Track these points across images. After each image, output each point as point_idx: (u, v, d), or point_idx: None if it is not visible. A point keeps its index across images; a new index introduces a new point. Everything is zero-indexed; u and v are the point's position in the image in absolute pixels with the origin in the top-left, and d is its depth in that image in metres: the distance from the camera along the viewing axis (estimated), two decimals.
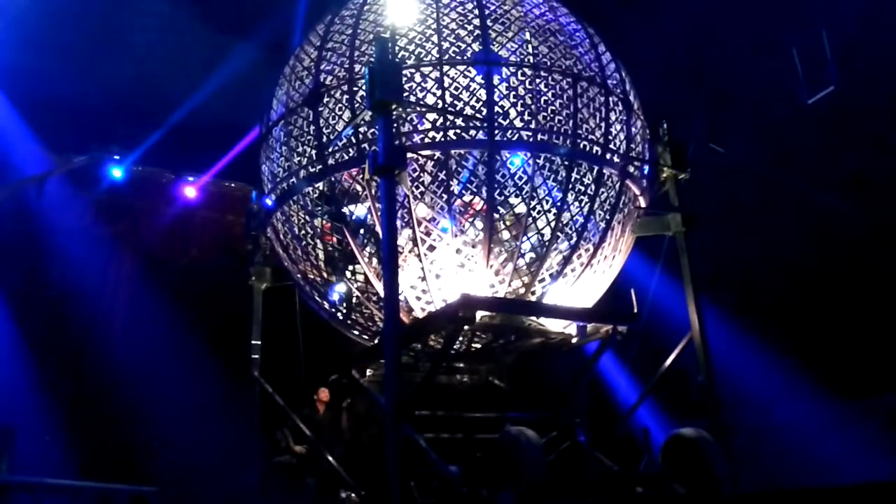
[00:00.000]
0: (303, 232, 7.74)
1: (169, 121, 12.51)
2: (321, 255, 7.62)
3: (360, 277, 7.40)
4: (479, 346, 7.42)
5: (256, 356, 8.58)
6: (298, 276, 8.02)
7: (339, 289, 7.62)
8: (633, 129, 7.82)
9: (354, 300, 7.54)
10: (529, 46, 7.66)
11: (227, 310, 10.62)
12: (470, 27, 7.47)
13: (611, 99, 7.58)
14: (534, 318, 7.24)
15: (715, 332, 7.79)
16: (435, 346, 7.30)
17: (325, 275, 7.64)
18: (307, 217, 7.68)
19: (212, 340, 11.68)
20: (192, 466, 10.65)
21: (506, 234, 7.36)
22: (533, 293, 7.32)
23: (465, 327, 6.73)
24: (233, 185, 13.06)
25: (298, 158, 7.62)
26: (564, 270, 7.36)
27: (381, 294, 6.93)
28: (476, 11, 7.49)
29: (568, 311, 7.32)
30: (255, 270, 8.84)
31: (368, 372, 7.67)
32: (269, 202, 8.06)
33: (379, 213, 6.90)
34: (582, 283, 7.55)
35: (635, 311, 7.38)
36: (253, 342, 8.62)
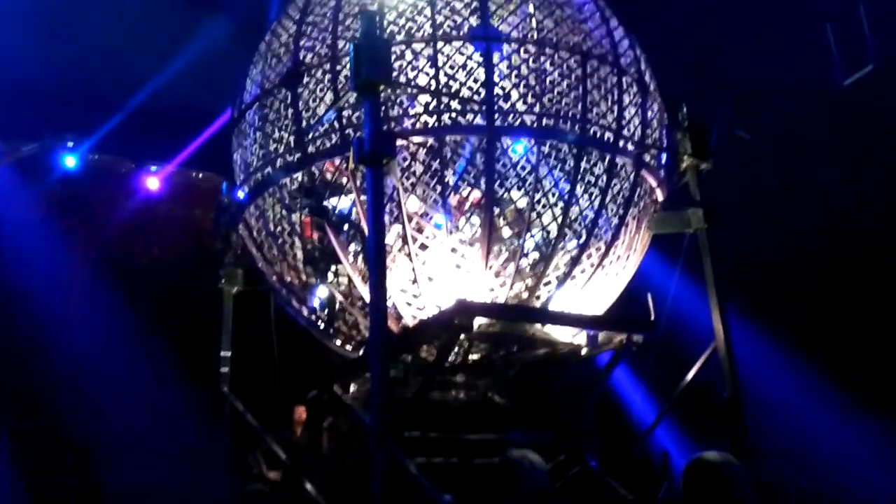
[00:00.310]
0: (279, 228, 7.67)
1: (129, 103, 12.39)
2: (300, 255, 7.54)
3: (344, 280, 7.33)
4: (476, 357, 7.35)
5: (225, 369, 8.47)
6: (274, 278, 7.94)
7: (320, 293, 7.55)
8: (650, 114, 7.76)
9: (337, 306, 7.46)
10: (533, 21, 7.63)
11: (193, 316, 10.53)
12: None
13: (624, 79, 7.52)
14: (538, 325, 7.18)
15: (742, 342, 7.73)
16: (427, 358, 7.23)
17: (303, 277, 7.56)
18: (284, 212, 7.61)
19: (176, 351, 11.59)
20: (149, 493, 10.57)
21: (507, 232, 7.29)
22: (537, 298, 7.25)
23: (462, 336, 6.68)
24: (200, 175, 12.94)
25: (275, 146, 7.55)
26: (573, 272, 7.29)
27: (367, 299, 6.85)
28: None
29: (577, 319, 7.27)
30: (226, 272, 8.72)
31: (352, 387, 7.59)
32: (241, 195, 7.98)
33: (364, 207, 6.82)
34: (592, 286, 7.48)
35: (652, 318, 7.35)
36: (222, 353, 8.52)
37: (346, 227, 7.40)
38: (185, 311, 11.44)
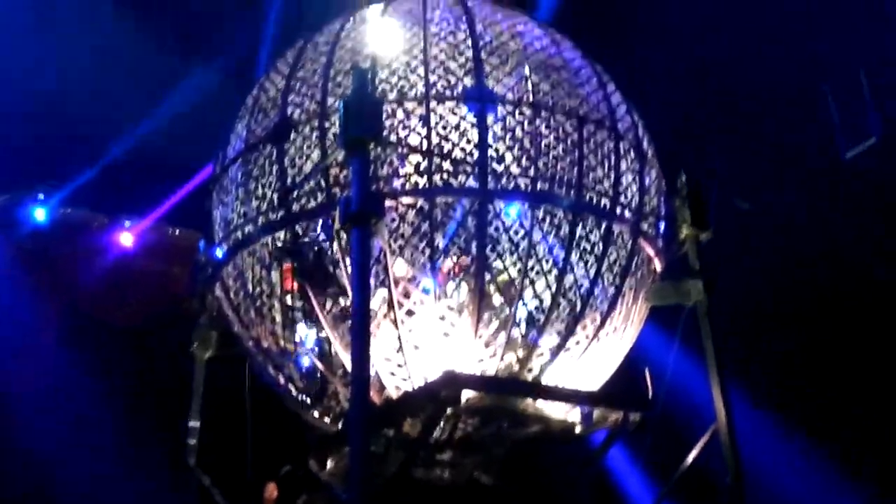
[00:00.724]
0: (258, 290, 7.64)
1: (105, 155, 12.42)
2: (278, 319, 7.49)
3: (324, 347, 7.26)
4: (464, 433, 7.22)
5: (193, 441, 8.32)
6: (250, 343, 7.86)
7: (304, 361, 7.47)
8: (647, 181, 7.86)
9: (316, 375, 7.37)
10: (529, 83, 7.75)
11: (163, 382, 10.39)
12: (461, 59, 7.54)
13: (621, 145, 7.64)
14: (530, 400, 7.12)
15: (745, 422, 7.68)
16: (411, 433, 7.10)
17: (282, 342, 7.50)
18: (264, 272, 7.57)
19: (144, 418, 11.39)
20: None
21: (498, 299, 7.27)
22: (529, 371, 7.21)
23: (448, 410, 6.61)
24: (177, 232, 12.92)
25: (257, 203, 7.57)
26: (567, 344, 7.26)
27: (349, 367, 6.76)
28: (468, 42, 7.59)
29: (571, 394, 7.22)
30: (199, 335, 8.63)
31: (329, 463, 7.48)
32: (219, 253, 7.97)
33: (349, 270, 6.78)
34: (587, 359, 7.45)
35: (650, 395, 7.30)
36: (190, 424, 8.38)
37: (328, 290, 7.37)
38: (155, 377, 11.30)
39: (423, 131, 7.16)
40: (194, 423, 8.40)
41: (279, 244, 7.44)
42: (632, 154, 7.74)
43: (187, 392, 8.56)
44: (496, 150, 7.44)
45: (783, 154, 12.03)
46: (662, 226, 8.11)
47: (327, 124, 7.23)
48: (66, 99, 11.83)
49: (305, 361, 7.46)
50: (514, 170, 7.41)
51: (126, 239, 12.80)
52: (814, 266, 11.70)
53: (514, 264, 7.35)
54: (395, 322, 6.96)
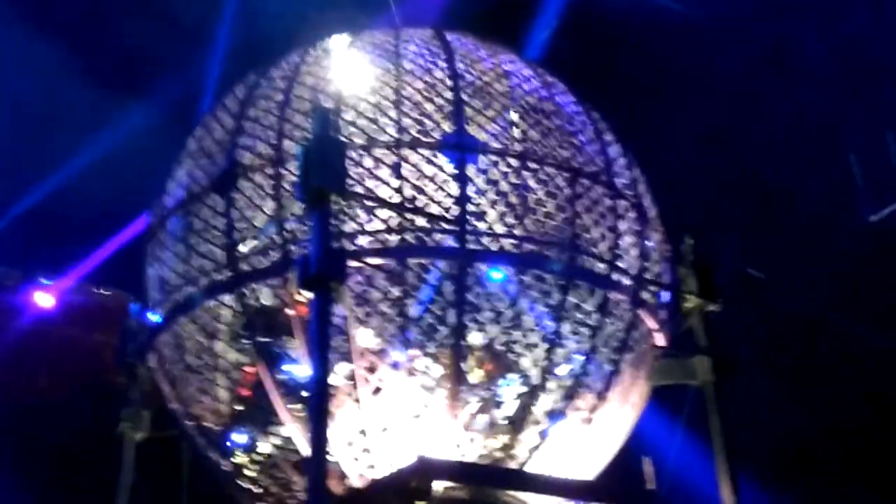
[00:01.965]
0: (200, 362, 7.63)
1: (20, 204, 12.43)
2: (223, 395, 7.49)
3: (279, 430, 7.24)
4: None
5: None
6: (190, 423, 7.85)
7: (244, 442, 7.44)
8: (649, 244, 8.01)
9: (267, 460, 7.35)
10: (516, 130, 7.90)
11: (86, 469, 10.26)
12: (439, 101, 7.68)
13: (620, 203, 7.81)
14: (514, 492, 7.13)
15: None
16: None
17: (226, 423, 7.48)
18: (206, 341, 7.57)
19: None
20: None
21: (479, 375, 7.31)
22: (514, 458, 7.24)
23: (420, 503, 6.54)
24: (105, 292, 12.91)
25: (200, 262, 7.61)
26: (557, 427, 7.31)
27: (305, 452, 6.77)
28: (448, 81, 7.72)
29: (561, 485, 7.22)
30: (129, 414, 8.64)
31: None
32: (154, 318, 7.99)
33: (307, 341, 6.82)
34: (580, 445, 7.51)
35: (651, 486, 7.32)
36: None
37: (281, 365, 7.40)
38: (77, 462, 11.16)
39: (395, 183, 7.25)
40: None
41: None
42: (632, 213, 7.89)
43: (114, 480, 8.49)
44: (477, 206, 7.52)
45: (803, 219, 12.37)
46: (665, 296, 8.24)
47: (283, 171, 7.30)
48: None
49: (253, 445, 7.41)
50: (499, 228, 7.49)
51: (44, 299, 12.75)
52: (837, 339, 11.94)
53: (498, 336, 7.41)
54: (358, 401, 7.00)
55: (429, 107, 7.66)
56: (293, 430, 7.17)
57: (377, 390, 7.10)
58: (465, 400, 7.18)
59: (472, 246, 7.21)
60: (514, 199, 7.56)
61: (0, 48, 12.28)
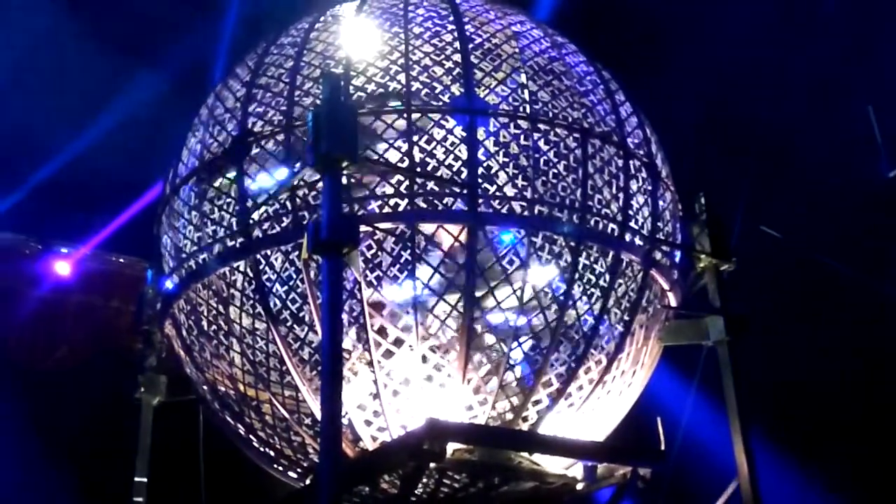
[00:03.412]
0: (214, 327, 7.70)
1: (37, 173, 12.50)
2: (237, 360, 7.56)
3: (290, 392, 7.32)
4: (449, 491, 7.31)
5: (140, 499, 8.36)
6: (205, 387, 7.94)
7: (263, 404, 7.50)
8: (661, 204, 7.99)
9: (280, 423, 7.44)
10: (525, 92, 7.87)
11: (104, 433, 10.39)
12: (448, 64, 7.67)
13: (632, 163, 7.76)
14: (526, 453, 7.17)
15: (770, 476, 7.77)
16: (389, 491, 7.19)
17: (241, 387, 7.56)
18: (221, 307, 7.64)
19: (83, 474, 11.38)
20: None
21: (490, 338, 7.34)
22: (525, 420, 7.28)
23: (432, 465, 6.64)
24: (121, 260, 13.00)
25: (213, 228, 7.67)
26: (568, 389, 7.35)
27: (318, 416, 6.85)
28: (457, 45, 7.69)
29: (572, 446, 7.28)
30: (146, 379, 8.73)
31: None
32: (169, 285, 8.05)
33: (318, 306, 6.88)
34: (591, 406, 7.54)
35: (662, 447, 7.35)
36: (136, 479, 8.44)
37: (295, 328, 7.46)
38: (96, 428, 11.29)
39: (405, 147, 7.25)
40: (140, 479, 8.45)
41: None
42: (643, 173, 7.85)
43: (132, 444, 8.60)
44: (488, 169, 7.53)
45: (818, 176, 12.28)
46: (678, 255, 8.23)
47: (294, 138, 7.31)
48: None
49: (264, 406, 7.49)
50: (509, 191, 7.50)
51: (62, 267, 12.87)
52: (851, 299, 11.90)
53: (509, 298, 7.42)
54: (370, 364, 7.05)
55: (437, 70, 7.66)
56: (306, 392, 7.23)
57: (388, 353, 7.17)
58: (477, 362, 7.21)
59: (482, 209, 7.17)
60: (524, 162, 7.56)
61: (12, 19, 12.31)
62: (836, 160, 12.05)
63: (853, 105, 12.01)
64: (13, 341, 12.74)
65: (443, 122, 7.53)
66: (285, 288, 7.75)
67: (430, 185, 7.34)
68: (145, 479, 8.45)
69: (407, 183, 7.27)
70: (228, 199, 7.65)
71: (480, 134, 7.47)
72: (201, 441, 8.34)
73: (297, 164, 7.14)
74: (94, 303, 12.97)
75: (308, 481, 7.54)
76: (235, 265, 7.56)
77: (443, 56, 7.69)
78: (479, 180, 7.30)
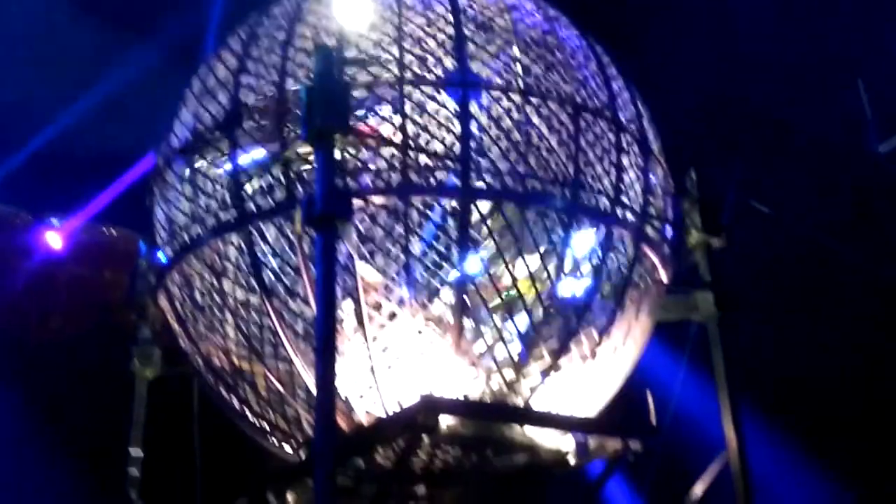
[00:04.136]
0: (207, 300, 7.69)
1: (28, 144, 12.43)
2: (231, 333, 7.55)
3: (284, 366, 7.30)
4: (443, 464, 7.33)
5: (135, 472, 8.37)
6: (199, 360, 7.93)
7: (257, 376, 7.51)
8: (653, 179, 7.99)
9: (274, 396, 7.43)
10: (518, 65, 7.85)
11: (97, 406, 10.38)
12: (441, 36, 7.62)
13: (623, 138, 7.76)
14: (518, 427, 7.19)
15: (758, 450, 7.83)
16: (383, 464, 7.20)
17: (235, 360, 7.56)
18: (215, 280, 7.62)
19: (76, 448, 11.38)
20: None
21: (484, 312, 7.33)
22: (518, 394, 7.28)
23: (426, 438, 6.67)
24: (114, 231, 12.95)
25: (206, 201, 7.62)
26: (559, 363, 7.35)
27: (312, 389, 6.84)
28: (450, 17, 7.64)
29: (564, 420, 7.30)
30: (140, 351, 8.73)
31: (290, 496, 7.51)
32: (162, 257, 8.02)
33: (312, 279, 6.85)
34: (583, 381, 7.55)
35: (653, 421, 7.38)
36: (131, 452, 8.43)
37: (288, 300, 7.45)
38: (89, 401, 11.29)
39: (397, 121, 7.22)
40: (136, 452, 8.46)
41: None
42: (635, 148, 7.85)
43: (127, 417, 8.61)
44: (480, 143, 7.50)
45: (809, 151, 12.28)
46: (669, 230, 8.24)
47: (286, 110, 7.26)
48: None
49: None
50: (502, 165, 7.48)
51: (54, 240, 12.80)
52: (844, 276, 11.94)
53: (503, 272, 7.44)
54: (364, 337, 7.05)
55: (430, 43, 7.61)
56: (301, 366, 7.23)
57: (382, 327, 7.16)
58: (470, 337, 7.22)
59: (475, 183, 7.16)
60: (516, 136, 7.56)
61: None
62: (830, 134, 12.05)
63: (846, 79, 11.99)
64: (4, 312, 12.70)
65: (435, 95, 7.49)
66: (278, 260, 7.72)
67: (423, 159, 7.30)
68: (140, 452, 8.47)
69: (399, 157, 7.24)
70: (220, 172, 7.60)
71: (473, 108, 7.43)
72: (196, 414, 8.34)
73: (290, 136, 7.12)
74: (86, 275, 12.91)
75: (303, 455, 7.54)
76: (228, 238, 7.52)
77: (436, 28, 7.64)
78: (472, 154, 7.25)
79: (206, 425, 8.44)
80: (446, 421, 6.76)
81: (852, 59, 12.07)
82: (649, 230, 7.89)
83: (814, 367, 11.85)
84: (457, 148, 7.24)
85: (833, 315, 11.93)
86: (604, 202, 7.53)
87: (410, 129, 7.28)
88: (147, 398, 8.68)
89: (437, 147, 7.35)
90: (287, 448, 7.79)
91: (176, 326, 8.10)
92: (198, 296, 7.77)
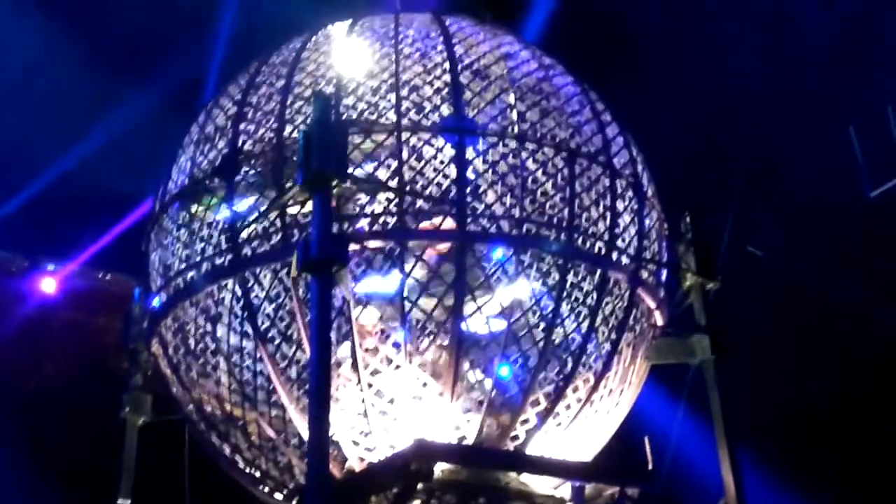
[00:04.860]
0: (201, 346, 7.64)
1: (25, 188, 12.43)
2: (224, 379, 7.49)
3: (277, 412, 7.25)
4: None
5: None
6: (191, 407, 7.87)
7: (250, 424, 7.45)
8: (647, 223, 7.99)
9: (266, 443, 7.36)
10: (514, 112, 7.88)
11: (89, 452, 10.26)
12: (438, 83, 7.68)
13: (618, 182, 7.77)
14: (514, 474, 7.10)
15: (757, 495, 7.74)
16: None
17: (228, 406, 7.49)
18: (209, 325, 7.58)
19: (67, 494, 11.25)
20: None
21: (479, 356, 7.30)
22: (513, 440, 7.25)
23: (420, 485, 6.58)
24: (108, 277, 12.89)
25: (202, 246, 7.62)
26: (556, 408, 7.31)
27: (305, 436, 6.77)
28: (446, 65, 7.70)
29: (560, 466, 7.23)
30: (131, 398, 8.66)
31: None
32: (156, 303, 7.98)
33: (307, 323, 6.82)
34: (579, 425, 7.51)
35: (650, 466, 7.36)
36: (120, 502, 8.34)
37: (283, 346, 7.41)
38: (80, 448, 11.19)
39: (394, 165, 7.22)
40: (124, 502, 8.35)
41: None
42: (630, 192, 7.85)
43: (116, 465, 8.51)
44: (476, 188, 7.54)
45: (803, 196, 12.34)
46: (664, 274, 8.22)
47: (284, 156, 7.28)
48: None
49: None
50: (497, 209, 7.50)
51: (48, 285, 12.75)
52: (836, 319, 11.92)
53: (497, 318, 7.40)
54: (359, 383, 6.99)
55: (427, 90, 7.68)
56: (294, 412, 7.15)
57: (377, 373, 7.10)
58: (465, 382, 7.18)
59: (470, 227, 7.18)
60: (512, 181, 7.61)
61: (6, 39, 12.27)
62: (822, 180, 12.12)
63: (838, 126, 12.10)
64: None
65: (432, 141, 7.53)
66: (273, 305, 7.69)
67: (420, 203, 7.31)
68: (129, 501, 8.37)
69: (396, 202, 7.25)
70: (217, 217, 7.59)
71: (469, 153, 7.45)
72: (187, 461, 8.24)
73: (287, 183, 7.12)
74: (80, 320, 12.85)
75: (294, 503, 7.46)
76: (224, 283, 7.50)
77: (433, 76, 7.70)
78: (468, 199, 7.27)
79: (196, 473, 8.35)
80: (441, 467, 6.68)
81: (844, 107, 12.19)
82: (644, 273, 7.87)
83: (809, 408, 11.83)
84: (453, 192, 7.26)
85: (827, 357, 11.91)
86: (599, 246, 7.54)
87: (407, 174, 7.30)
88: (137, 445, 8.60)
89: (434, 192, 7.39)
90: (278, 496, 7.70)
91: (168, 373, 8.02)
92: (191, 341, 7.72)
